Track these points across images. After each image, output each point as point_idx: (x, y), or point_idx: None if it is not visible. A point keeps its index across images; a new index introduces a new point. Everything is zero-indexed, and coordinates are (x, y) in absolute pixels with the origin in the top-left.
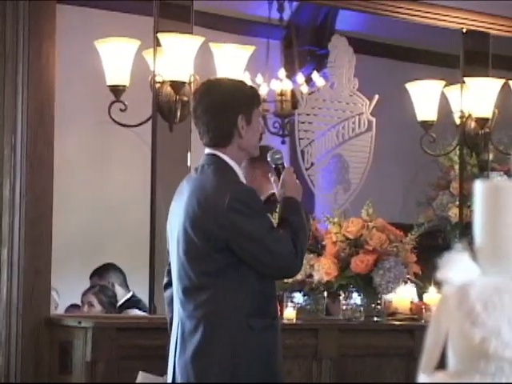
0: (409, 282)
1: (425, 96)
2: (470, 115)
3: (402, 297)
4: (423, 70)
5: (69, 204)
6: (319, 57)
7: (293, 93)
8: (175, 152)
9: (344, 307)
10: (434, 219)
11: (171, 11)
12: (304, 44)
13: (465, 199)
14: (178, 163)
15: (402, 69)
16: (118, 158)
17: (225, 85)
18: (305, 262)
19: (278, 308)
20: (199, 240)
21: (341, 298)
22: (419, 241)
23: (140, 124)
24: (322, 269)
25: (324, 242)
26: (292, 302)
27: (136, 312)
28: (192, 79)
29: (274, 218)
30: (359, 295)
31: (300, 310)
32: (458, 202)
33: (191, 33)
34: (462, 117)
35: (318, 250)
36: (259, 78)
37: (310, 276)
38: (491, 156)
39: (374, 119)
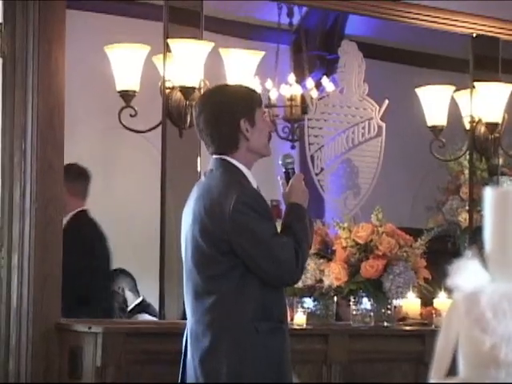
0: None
1: (434, 101)
2: (479, 120)
3: (412, 302)
4: (433, 74)
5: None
6: (329, 62)
7: (302, 98)
8: (185, 157)
9: (354, 312)
10: (443, 224)
11: (181, 16)
12: (313, 49)
13: (474, 204)
14: (187, 168)
15: (412, 74)
16: (127, 163)
17: (222, 93)
18: (315, 267)
19: (288, 312)
20: (206, 243)
21: (351, 303)
22: (429, 246)
23: (150, 129)
24: (332, 274)
25: (334, 247)
26: (302, 307)
27: (146, 317)
28: (202, 84)
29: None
30: (369, 300)
31: (310, 315)
32: (467, 207)
33: (201, 38)
34: (471, 121)
35: (328, 255)
36: (269, 83)
37: (320, 281)
38: (501, 161)
39: (383, 124)
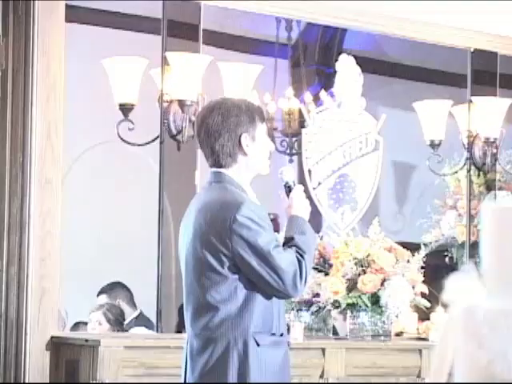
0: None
1: (432, 115)
2: (477, 135)
3: (409, 316)
4: (431, 89)
5: (76, 222)
6: (327, 76)
7: (300, 112)
8: (183, 171)
9: (351, 326)
10: (441, 239)
11: (179, 30)
12: (312, 63)
13: (472, 219)
14: (185, 182)
15: (410, 88)
16: (125, 176)
17: (225, 106)
18: (312, 281)
19: (286, 325)
20: (207, 256)
21: (348, 317)
22: (426, 260)
23: (148, 143)
24: (330, 288)
25: (331, 262)
26: (299, 321)
27: (143, 330)
28: (200, 98)
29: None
30: (366, 315)
31: (307, 329)
32: (465, 222)
33: (199, 52)
34: (469, 136)
35: (326, 269)
36: (267, 97)
37: (318, 295)
38: (498, 175)
39: (381, 139)
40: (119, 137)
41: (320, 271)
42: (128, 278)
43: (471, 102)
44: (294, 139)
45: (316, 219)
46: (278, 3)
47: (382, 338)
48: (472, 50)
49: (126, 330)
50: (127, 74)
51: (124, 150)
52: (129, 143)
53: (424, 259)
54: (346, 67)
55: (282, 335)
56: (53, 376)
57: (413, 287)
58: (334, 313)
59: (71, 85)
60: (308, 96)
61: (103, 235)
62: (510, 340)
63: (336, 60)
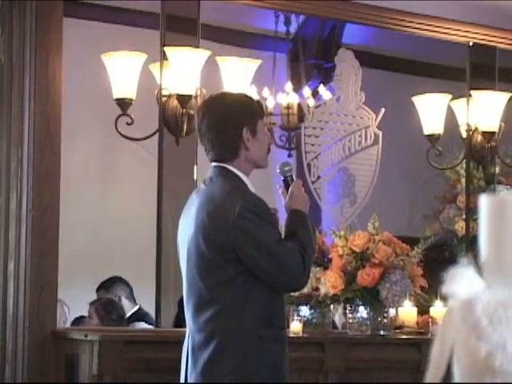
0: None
1: (431, 109)
2: (476, 128)
3: (409, 310)
4: (430, 83)
5: (75, 217)
6: (325, 70)
7: (299, 106)
8: (181, 165)
9: (350, 321)
10: (440, 232)
11: (178, 25)
12: (310, 57)
13: (471, 212)
14: (184, 176)
15: (409, 82)
16: (124, 171)
17: (227, 100)
18: (311, 275)
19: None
20: (210, 251)
21: (347, 311)
22: (425, 254)
23: (146, 137)
24: (329, 282)
25: (330, 256)
26: (298, 315)
27: (143, 325)
28: (198, 92)
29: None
30: (365, 309)
31: (306, 324)
32: (464, 216)
33: (198, 46)
34: (468, 130)
35: (325, 263)
36: (266, 92)
37: (317, 289)
38: (497, 169)
39: (380, 133)
40: (118, 131)
41: (319, 265)
42: (127, 272)
43: (470, 95)
44: (292, 133)
45: (315, 213)
46: None
47: (381, 332)
48: (471, 43)
49: (126, 325)
50: (126, 69)
51: (123, 145)
52: (127, 138)
53: (423, 253)
54: (345, 61)
55: (282, 329)
56: (52, 371)
57: (412, 281)
58: (333, 307)
59: (70, 79)
60: (307, 90)
61: (102, 230)
62: (509, 332)
63: (335, 54)
